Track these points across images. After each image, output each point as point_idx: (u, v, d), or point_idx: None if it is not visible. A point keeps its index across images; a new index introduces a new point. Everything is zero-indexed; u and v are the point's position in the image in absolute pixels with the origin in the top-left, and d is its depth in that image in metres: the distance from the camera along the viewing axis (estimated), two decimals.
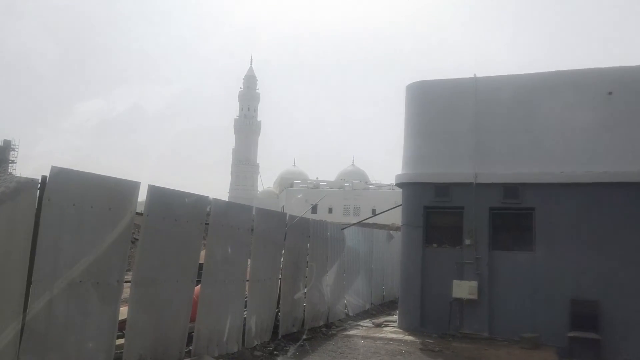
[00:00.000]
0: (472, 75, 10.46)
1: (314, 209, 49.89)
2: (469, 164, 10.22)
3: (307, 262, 10.46)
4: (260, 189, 76.61)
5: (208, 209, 7.19)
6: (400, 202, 11.11)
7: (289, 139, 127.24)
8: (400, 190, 11.14)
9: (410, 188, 10.72)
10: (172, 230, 6.41)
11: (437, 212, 10.48)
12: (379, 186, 66.28)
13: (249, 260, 8.25)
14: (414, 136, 10.83)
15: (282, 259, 9.42)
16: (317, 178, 70.32)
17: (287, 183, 67.12)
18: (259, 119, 79.04)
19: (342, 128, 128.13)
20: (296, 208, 45.28)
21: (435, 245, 10.42)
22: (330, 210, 60.27)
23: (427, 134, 10.68)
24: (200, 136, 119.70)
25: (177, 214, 6.49)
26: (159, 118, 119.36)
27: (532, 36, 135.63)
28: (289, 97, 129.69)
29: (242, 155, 76.06)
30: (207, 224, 7.10)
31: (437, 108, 10.70)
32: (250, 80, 79.14)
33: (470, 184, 10.13)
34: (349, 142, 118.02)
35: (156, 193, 6.26)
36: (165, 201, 6.39)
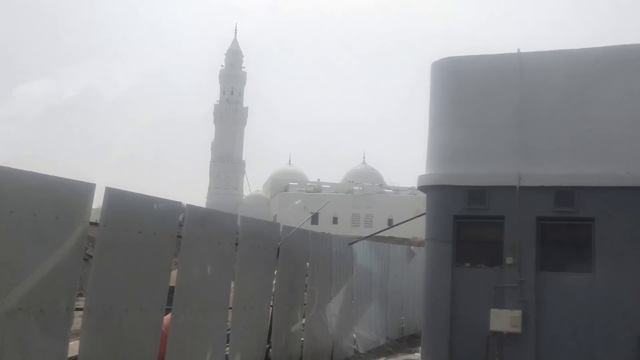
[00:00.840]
0: (515, 51, 10.41)
1: (315, 219, 49.91)
2: (511, 161, 10.18)
3: (307, 285, 10.48)
4: (246, 192, 76.91)
5: (181, 218, 7.24)
6: (423, 210, 11.12)
7: (283, 130, 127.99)
8: (424, 195, 11.08)
9: (437, 192, 10.69)
10: (136, 244, 6.45)
11: (471, 222, 10.47)
12: (397, 190, 66.44)
13: (232, 282, 8.24)
14: (442, 127, 10.81)
15: (274, 282, 9.46)
16: (318, 180, 70.50)
17: (280, 186, 67.28)
18: (245, 105, 79.19)
19: (350, 118, 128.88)
20: (292, 217, 45.30)
21: (468, 264, 10.40)
22: (335, 220, 60.39)
23: (458, 124, 10.65)
24: (171, 127, 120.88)
25: (142, 224, 6.52)
26: (121, 104, 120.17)
27: (588, 6, 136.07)
28: (283, 78, 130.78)
29: (223, 151, 76.10)
30: (179, 236, 7.16)
31: (471, 91, 10.68)
32: (234, 56, 79.28)
33: (512, 187, 10.07)
34: (358, 135, 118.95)
35: (116, 198, 6.29)
36: (128, 208, 6.42)
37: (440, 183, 10.60)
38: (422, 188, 11.01)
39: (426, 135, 11.01)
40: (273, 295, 9.39)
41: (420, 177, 10.99)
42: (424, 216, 11.02)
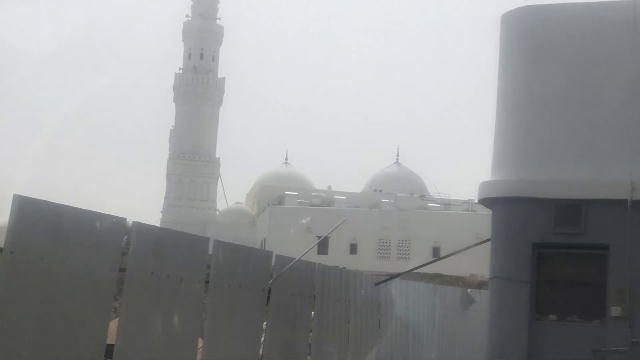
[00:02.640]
0: None
1: (324, 246, 49.58)
2: (620, 161, 10.26)
3: (310, 343, 10.52)
4: (221, 205, 76.83)
5: (125, 241, 7.33)
6: (485, 234, 11.28)
7: (277, 114, 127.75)
8: (488, 212, 11.17)
9: (508, 208, 10.77)
10: (56, 279, 6.53)
11: (558, 254, 10.55)
12: (447, 204, 66.10)
13: (200, 339, 8.38)
14: (516, 112, 10.91)
15: (262, 338, 9.55)
16: (329, 187, 70.21)
17: (271, 195, 67.03)
18: (220, 76, 79.13)
19: (376, 98, 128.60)
20: (290, 242, 45.28)
21: (553, 317, 10.47)
22: (353, 249, 60.00)
23: (541, 105, 10.73)
24: (112, 105, 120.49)
25: (65, 248, 6.62)
26: (42, 69, 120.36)
27: None
28: (279, 37, 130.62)
29: (188, 143, 75.53)
30: (122, 270, 7.25)
31: (562, 56, 10.79)
32: (205, 2, 79.60)
33: (622, 201, 10.13)
34: (389, 123, 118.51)
35: (28, 209, 6.37)
36: (45, 224, 6.51)
37: (513, 194, 10.65)
38: (486, 201, 11.11)
39: (492, 125, 11.12)
40: (260, 358, 9.47)
41: (484, 186, 11.08)
42: (488, 244, 11.09)
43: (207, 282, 8.43)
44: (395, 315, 12.86)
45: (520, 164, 10.79)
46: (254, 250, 10.14)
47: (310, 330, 10.68)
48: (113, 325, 7.58)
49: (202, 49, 78.48)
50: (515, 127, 10.91)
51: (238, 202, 77.36)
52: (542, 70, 10.86)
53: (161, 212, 75.08)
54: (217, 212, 75.36)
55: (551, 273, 10.57)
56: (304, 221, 58.28)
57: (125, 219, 7.29)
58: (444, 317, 14.38)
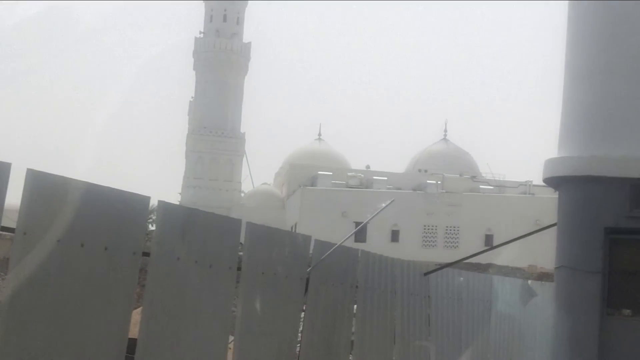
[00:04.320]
0: None
1: (362, 233, 49.62)
2: None
3: (352, 342, 10.57)
4: (247, 187, 77.26)
5: (149, 223, 7.30)
6: (545, 220, 11.09)
7: (309, 84, 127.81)
8: (548, 196, 11.10)
9: (578, 189, 10.62)
10: (73, 264, 6.53)
11: (635, 241, 10.40)
12: (502, 186, 66.09)
13: (230, 336, 8.45)
14: (588, 78, 10.75)
15: (300, 330, 9.63)
16: (367, 166, 70.58)
17: (303, 175, 67.49)
18: (246, 40, 78.98)
19: (420, 64, 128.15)
20: (324, 227, 45.51)
21: (628, 312, 10.36)
22: (395, 236, 60.48)
23: (620, 67, 10.53)
24: (124, 74, 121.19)
25: (83, 230, 6.62)
26: (44, 37, 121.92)
27: None
28: None
29: (209, 117, 75.88)
30: (146, 254, 7.24)
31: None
32: None
33: None
34: (434, 93, 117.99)
35: (42, 185, 6.35)
36: (62, 202, 6.47)
37: (584, 173, 10.47)
38: (552, 181, 10.89)
39: (558, 95, 11.00)
40: (297, 356, 9.46)
41: (550, 163, 10.89)
42: (552, 230, 11.02)
43: (238, 268, 8.42)
44: (444, 309, 12.90)
45: (592, 138, 10.61)
46: (291, 235, 10.13)
47: (354, 325, 10.70)
48: (135, 315, 7.61)
49: (225, 10, 77.67)
50: (586, 96, 10.74)
51: (265, 183, 77.83)
52: (617, 31, 10.67)
53: (179, 193, 75.25)
54: (242, 194, 75.61)
55: (626, 262, 10.42)
56: (338, 204, 58.29)
57: (149, 197, 7.27)
58: (501, 312, 14.41)
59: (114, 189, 7.00)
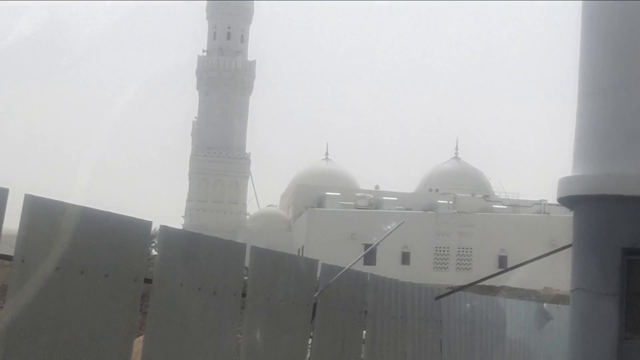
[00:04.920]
0: None
1: (371, 256, 49.40)
2: None
3: None
4: (252, 209, 77.25)
5: (151, 249, 7.31)
6: (560, 240, 11.05)
7: (315, 103, 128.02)
8: (563, 215, 11.06)
9: (593, 208, 10.56)
10: (72, 291, 6.49)
11: None
12: (516, 205, 65.93)
13: None
14: (601, 94, 10.80)
15: (307, 358, 9.59)
16: (376, 186, 70.56)
17: (310, 196, 67.35)
18: (250, 58, 79.13)
19: (430, 81, 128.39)
20: (331, 251, 45.42)
21: None
22: (405, 258, 60.20)
23: (635, 81, 10.45)
24: (124, 93, 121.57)
25: (83, 256, 6.57)
26: (37, 45, 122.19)
27: None
28: (318, 14, 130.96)
29: (213, 137, 76.07)
30: (148, 281, 7.19)
31: None
32: None
33: None
34: (445, 111, 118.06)
35: (41, 211, 6.32)
36: (61, 228, 6.46)
37: (599, 192, 10.44)
38: (567, 200, 10.77)
39: (573, 109, 10.97)
40: None
41: (564, 182, 10.77)
42: (568, 250, 10.82)
43: (243, 294, 8.34)
44: (457, 333, 12.80)
45: (607, 156, 10.59)
46: (298, 259, 10.08)
47: (362, 352, 10.59)
48: (137, 344, 7.59)
49: (229, 27, 77.57)
50: (601, 113, 10.75)
51: (271, 205, 77.65)
52: (631, 46, 10.70)
53: (183, 216, 75.13)
54: (248, 217, 75.48)
55: None
56: (346, 226, 58.15)
57: (151, 222, 7.20)
58: (515, 336, 14.29)
59: (114, 214, 6.95)
